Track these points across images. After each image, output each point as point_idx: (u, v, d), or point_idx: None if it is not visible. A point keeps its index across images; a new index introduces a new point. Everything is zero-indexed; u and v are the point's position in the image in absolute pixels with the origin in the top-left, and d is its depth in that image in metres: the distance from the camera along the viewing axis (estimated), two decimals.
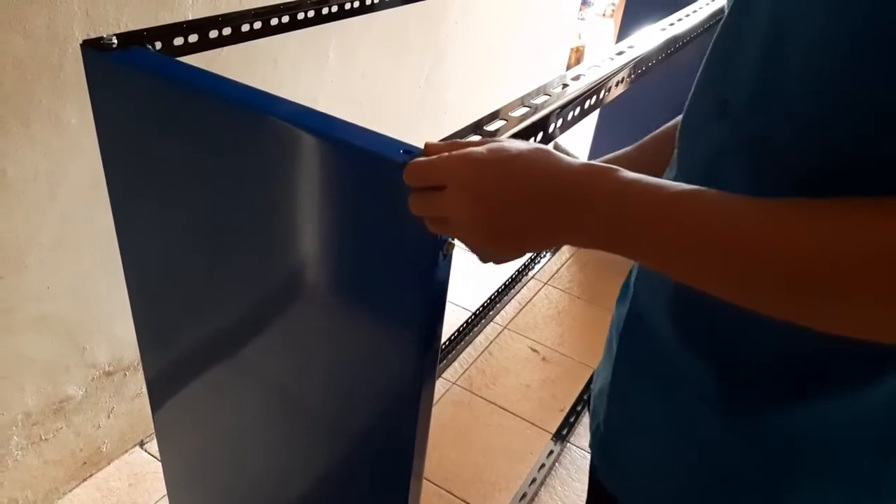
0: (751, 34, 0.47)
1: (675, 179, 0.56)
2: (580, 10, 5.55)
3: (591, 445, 0.75)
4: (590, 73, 0.78)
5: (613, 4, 6.02)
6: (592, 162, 0.45)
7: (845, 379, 0.49)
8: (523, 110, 0.69)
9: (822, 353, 0.49)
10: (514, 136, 0.64)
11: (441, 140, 0.55)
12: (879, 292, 0.36)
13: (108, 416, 1.56)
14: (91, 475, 1.59)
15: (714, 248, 0.40)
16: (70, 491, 1.54)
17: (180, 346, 0.91)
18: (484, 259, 0.51)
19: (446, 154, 0.48)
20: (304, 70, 1.71)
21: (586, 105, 0.77)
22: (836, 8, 0.39)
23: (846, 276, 0.37)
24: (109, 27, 1.18)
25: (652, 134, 0.80)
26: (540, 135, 0.68)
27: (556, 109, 0.68)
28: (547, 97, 0.71)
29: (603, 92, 0.79)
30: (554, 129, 0.71)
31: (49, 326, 1.35)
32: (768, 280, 0.39)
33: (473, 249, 0.50)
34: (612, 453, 0.71)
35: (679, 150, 0.58)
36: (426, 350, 0.62)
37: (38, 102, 1.15)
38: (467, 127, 0.63)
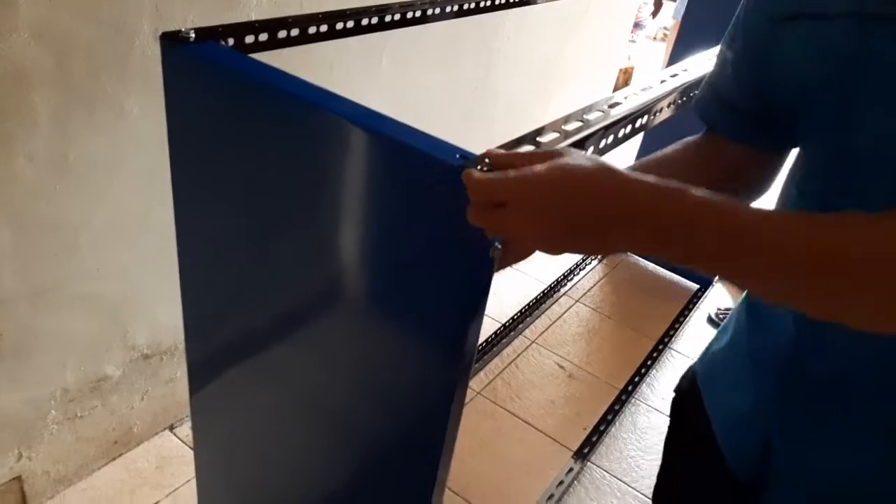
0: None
1: None
2: (632, 32, 5.54)
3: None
4: (641, 94, 0.80)
5: (665, 29, 6.00)
6: (659, 183, 0.46)
7: None
8: (577, 124, 0.70)
9: None
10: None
11: (499, 147, 0.56)
12: None
13: (142, 399, 1.61)
14: (121, 454, 1.63)
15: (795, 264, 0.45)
16: (99, 469, 1.59)
17: (223, 335, 0.93)
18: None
19: (512, 173, 0.48)
20: (357, 76, 1.74)
21: (637, 124, 0.78)
22: None
23: None
24: (176, 23, 1.22)
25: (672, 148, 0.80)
26: (590, 150, 0.70)
27: (605, 127, 0.70)
28: (600, 113, 0.73)
29: (650, 115, 0.80)
30: (604, 146, 0.72)
31: (95, 306, 1.39)
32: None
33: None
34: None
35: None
36: (460, 355, 0.63)
37: (104, 91, 1.19)
38: (525, 136, 0.64)
